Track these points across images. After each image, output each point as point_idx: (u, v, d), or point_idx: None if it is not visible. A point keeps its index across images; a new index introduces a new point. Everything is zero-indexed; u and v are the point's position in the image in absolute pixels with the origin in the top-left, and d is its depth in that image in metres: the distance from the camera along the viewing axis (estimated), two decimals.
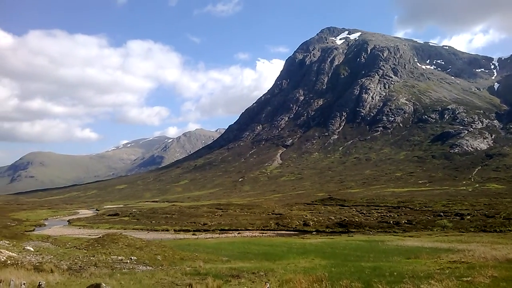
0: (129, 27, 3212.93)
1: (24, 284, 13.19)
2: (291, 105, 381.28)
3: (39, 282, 11.75)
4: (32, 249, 45.22)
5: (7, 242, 50.61)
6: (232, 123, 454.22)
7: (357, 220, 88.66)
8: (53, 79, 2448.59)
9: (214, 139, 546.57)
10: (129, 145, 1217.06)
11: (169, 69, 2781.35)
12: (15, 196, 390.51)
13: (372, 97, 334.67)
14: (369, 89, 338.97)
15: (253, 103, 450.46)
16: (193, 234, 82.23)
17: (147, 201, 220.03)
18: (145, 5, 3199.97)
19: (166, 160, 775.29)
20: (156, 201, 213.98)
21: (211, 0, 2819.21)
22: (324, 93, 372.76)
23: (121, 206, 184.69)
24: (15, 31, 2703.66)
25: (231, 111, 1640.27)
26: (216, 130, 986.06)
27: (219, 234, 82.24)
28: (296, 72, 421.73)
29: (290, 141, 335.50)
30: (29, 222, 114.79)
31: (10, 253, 39.39)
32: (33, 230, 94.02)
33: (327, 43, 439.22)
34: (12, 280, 14.06)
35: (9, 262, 33.20)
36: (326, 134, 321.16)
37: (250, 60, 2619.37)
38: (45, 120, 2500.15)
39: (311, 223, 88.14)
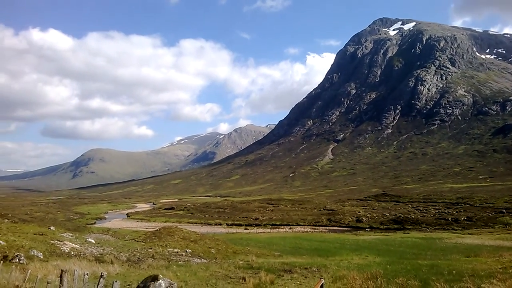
0: (181, 26, 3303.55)
1: (87, 274, 13.98)
2: (343, 99, 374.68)
3: (101, 273, 12.45)
4: (93, 241, 47.80)
5: (71, 234, 53.82)
6: (282, 118, 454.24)
7: (413, 216, 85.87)
8: (111, 79, 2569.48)
9: (265, 135, 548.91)
10: (182, 141, 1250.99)
11: (220, 66, 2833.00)
12: (77, 190, 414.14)
13: (428, 89, 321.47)
14: (425, 81, 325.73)
15: (303, 98, 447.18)
16: (245, 229, 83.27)
17: (200, 196, 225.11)
18: (196, 5, 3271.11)
19: (218, 156, 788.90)
20: (209, 196, 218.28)
21: None
22: (377, 86, 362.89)
23: (176, 200, 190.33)
24: (74, 34, 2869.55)
25: (281, 107, 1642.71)
26: (266, 126, 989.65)
27: (270, 229, 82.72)
28: (347, 65, 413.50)
29: (341, 135, 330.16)
30: (90, 216, 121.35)
31: (73, 244, 41.88)
32: (94, 223, 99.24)
33: (380, 34, 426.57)
34: (76, 271, 14.91)
35: (72, 253, 35.33)
36: (380, 128, 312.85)
37: (300, 54, 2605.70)
38: (104, 118, 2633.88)
39: (365, 219, 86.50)
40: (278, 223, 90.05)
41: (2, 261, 19.62)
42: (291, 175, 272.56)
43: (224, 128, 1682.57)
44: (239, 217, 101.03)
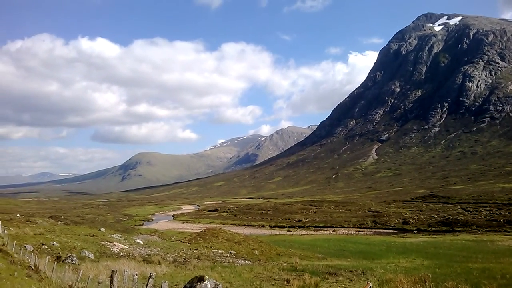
0: (222, 31, 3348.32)
1: (136, 274, 14.41)
2: (386, 97, 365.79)
3: (150, 273, 12.79)
4: (141, 242, 49.27)
5: (120, 235, 55.75)
6: (324, 119, 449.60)
7: (462, 218, 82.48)
8: (156, 84, 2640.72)
9: (306, 136, 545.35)
10: (225, 144, 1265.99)
11: (261, 69, 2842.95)
12: (126, 193, 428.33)
13: (477, 86, 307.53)
14: (473, 77, 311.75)
15: (346, 98, 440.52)
16: (288, 230, 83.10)
17: (243, 198, 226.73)
18: (237, 9, 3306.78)
19: (260, 158, 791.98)
20: (252, 198, 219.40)
21: None
22: (422, 84, 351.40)
23: (220, 202, 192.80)
24: (121, 42, 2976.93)
25: (322, 107, 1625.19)
26: (308, 127, 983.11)
27: (313, 231, 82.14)
28: (391, 63, 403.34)
29: (386, 135, 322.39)
30: (138, 217, 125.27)
31: (123, 245, 43.34)
32: (142, 225, 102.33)
33: (424, 30, 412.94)
34: (126, 271, 15.38)
35: (121, 254, 36.58)
36: (426, 127, 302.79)
37: (341, 54, 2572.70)
38: (150, 123, 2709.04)
39: (411, 221, 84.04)
40: (321, 225, 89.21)
41: (56, 262, 20.62)
42: (334, 176, 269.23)
43: (265, 130, 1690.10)
44: (281, 219, 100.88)
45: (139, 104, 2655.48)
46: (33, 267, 18.72)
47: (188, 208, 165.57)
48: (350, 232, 78.02)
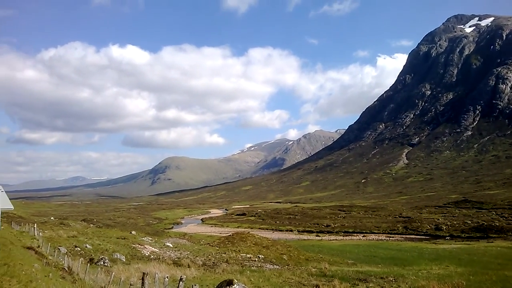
0: (249, 36, 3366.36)
1: (167, 277, 14.52)
2: (417, 101, 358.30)
3: (181, 276, 12.90)
4: (171, 245, 49.85)
5: (150, 238, 56.58)
6: (352, 123, 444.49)
7: (497, 224, 79.68)
8: (185, 90, 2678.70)
9: (334, 140, 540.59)
10: (252, 148, 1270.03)
11: (288, 73, 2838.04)
12: (156, 197, 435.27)
13: (511, 88, 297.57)
14: (507, 78, 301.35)
15: (374, 101, 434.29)
16: (316, 235, 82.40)
17: (271, 202, 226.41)
18: (263, 14, 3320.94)
19: (287, 162, 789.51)
20: (279, 202, 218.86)
21: (327, 0, 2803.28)
22: (453, 86, 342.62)
23: (248, 206, 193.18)
24: (151, 49, 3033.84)
25: (350, 111, 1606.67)
26: (336, 131, 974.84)
27: (343, 236, 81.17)
28: (420, 65, 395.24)
29: (416, 139, 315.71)
30: (168, 221, 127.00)
31: (153, 248, 43.97)
32: (172, 228, 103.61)
33: (455, 32, 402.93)
34: (157, 274, 15.57)
35: (152, 256, 37.09)
36: (458, 130, 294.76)
37: (369, 57, 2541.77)
38: (179, 128, 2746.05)
39: (444, 227, 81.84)
40: (350, 230, 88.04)
41: (88, 264, 21.07)
42: (363, 181, 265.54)
43: (293, 134, 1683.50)
44: (310, 223, 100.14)
45: (168, 109, 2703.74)
46: (67, 269, 19.20)
47: (216, 212, 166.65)
48: (380, 238, 76.68)
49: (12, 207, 17.19)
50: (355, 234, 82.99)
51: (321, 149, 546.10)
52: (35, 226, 42.45)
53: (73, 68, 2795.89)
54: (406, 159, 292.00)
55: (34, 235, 36.69)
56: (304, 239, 75.46)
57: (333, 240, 73.96)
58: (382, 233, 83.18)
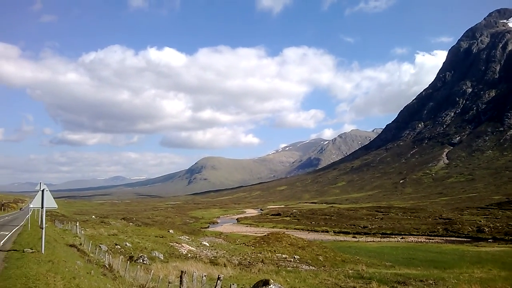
0: (284, 35, 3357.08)
1: (205, 276, 14.69)
2: (457, 98, 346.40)
3: (218, 275, 13.02)
4: (207, 244, 50.50)
5: (187, 237, 57.53)
6: (390, 122, 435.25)
7: None
8: (220, 91, 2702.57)
9: (371, 140, 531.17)
10: (287, 148, 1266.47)
11: (323, 72, 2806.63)
12: (192, 196, 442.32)
13: None
14: None
15: (413, 100, 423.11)
16: (353, 237, 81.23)
17: (306, 202, 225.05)
18: (298, 13, 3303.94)
19: (323, 162, 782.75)
20: (315, 203, 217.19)
21: None
22: (496, 83, 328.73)
23: (282, 206, 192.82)
24: (187, 51, 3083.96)
25: (388, 110, 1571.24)
26: (373, 130, 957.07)
27: (380, 238, 79.63)
28: (461, 62, 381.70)
29: (457, 138, 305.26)
30: (204, 220, 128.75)
31: (190, 247, 44.67)
32: (208, 227, 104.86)
33: (497, 27, 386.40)
34: (194, 272, 15.79)
35: (189, 255, 37.69)
36: (501, 129, 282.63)
37: (408, 54, 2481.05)
38: (214, 128, 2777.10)
39: (486, 229, 78.66)
40: (388, 232, 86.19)
41: (128, 261, 21.65)
42: (401, 181, 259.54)
43: (328, 134, 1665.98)
44: (346, 224, 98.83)
45: (203, 110, 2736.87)
46: (107, 266, 19.80)
47: (251, 212, 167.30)
48: (419, 240, 74.61)
49: (56, 206, 17.85)
50: (393, 236, 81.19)
51: (357, 149, 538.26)
52: (77, 224, 44.08)
53: (112, 71, 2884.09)
54: (447, 159, 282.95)
55: (76, 233, 38.10)
56: (340, 240, 74.55)
57: (370, 241, 72.66)
58: (422, 235, 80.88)
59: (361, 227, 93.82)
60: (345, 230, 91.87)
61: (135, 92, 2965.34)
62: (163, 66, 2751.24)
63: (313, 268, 33.95)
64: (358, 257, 45.63)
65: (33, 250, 18.10)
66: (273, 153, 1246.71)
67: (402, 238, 77.50)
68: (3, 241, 23.51)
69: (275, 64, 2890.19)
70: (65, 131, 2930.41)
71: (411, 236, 79.93)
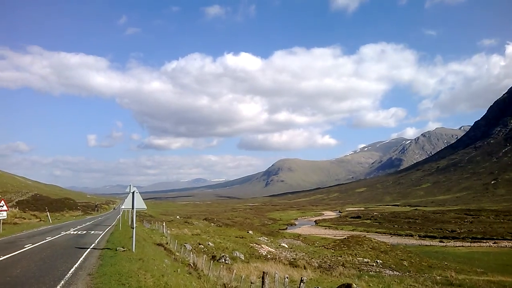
0: (360, 33, 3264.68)
1: (287, 277, 14.76)
2: None
3: (301, 278, 13.06)
4: (286, 246, 50.71)
5: (266, 238, 58.22)
6: (479, 118, 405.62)
7: None
8: (295, 93, 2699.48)
9: (458, 138, 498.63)
10: (366, 148, 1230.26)
11: (403, 68, 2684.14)
12: (270, 198, 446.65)
13: None
14: None
15: (504, 94, 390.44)
16: (440, 241, 76.97)
17: (387, 205, 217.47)
18: (375, 9, 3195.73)
19: (405, 163, 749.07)
20: (397, 205, 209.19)
21: None
22: None
23: (362, 209, 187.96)
24: (262, 54, 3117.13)
25: (476, 105, 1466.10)
26: (460, 128, 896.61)
27: (470, 242, 74.58)
28: None
29: None
30: (282, 221, 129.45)
31: (269, 248, 45.14)
32: (286, 229, 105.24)
33: None
34: (276, 273, 15.91)
35: (269, 256, 38.10)
36: None
37: (497, 45, 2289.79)
38: (290, 130, 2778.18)
39: None
40: (479, 236, 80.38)
41: (211, 261, 22.43)
42: (492, 182, 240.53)
43: (410, 133, 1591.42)
44: (432, 228, 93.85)
45: (279, 112, 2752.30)
46: (192, 265, 20.64)
47: (329, 214, 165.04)
48: None
49: (145, 207, 19.05)
50: (484, 241, 75.55)
51: (443, 148, 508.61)
52: (164, 224, 46.55)
53: (193, 78, 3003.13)
54: None
55: (163, 232, 40.24)
56: (426, 245, 71.05)
57: (459, 246, 68.36)
58: None
59: (448, 231, 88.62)
60: (431, 234, 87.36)
61: (213, 97, 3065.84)
62: (239, 71, 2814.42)
63: (397, 273, 32.72)
64: (446, 263, 43.19)
65: (125, 249, 19.28)
66: (351, 154, 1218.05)
67: (494, 243, 71.97)
68: (98, 239, 25.37)
69: (352, 63, 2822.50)
70: (150, 136, 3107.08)
71: (505, 241, 73.97)
